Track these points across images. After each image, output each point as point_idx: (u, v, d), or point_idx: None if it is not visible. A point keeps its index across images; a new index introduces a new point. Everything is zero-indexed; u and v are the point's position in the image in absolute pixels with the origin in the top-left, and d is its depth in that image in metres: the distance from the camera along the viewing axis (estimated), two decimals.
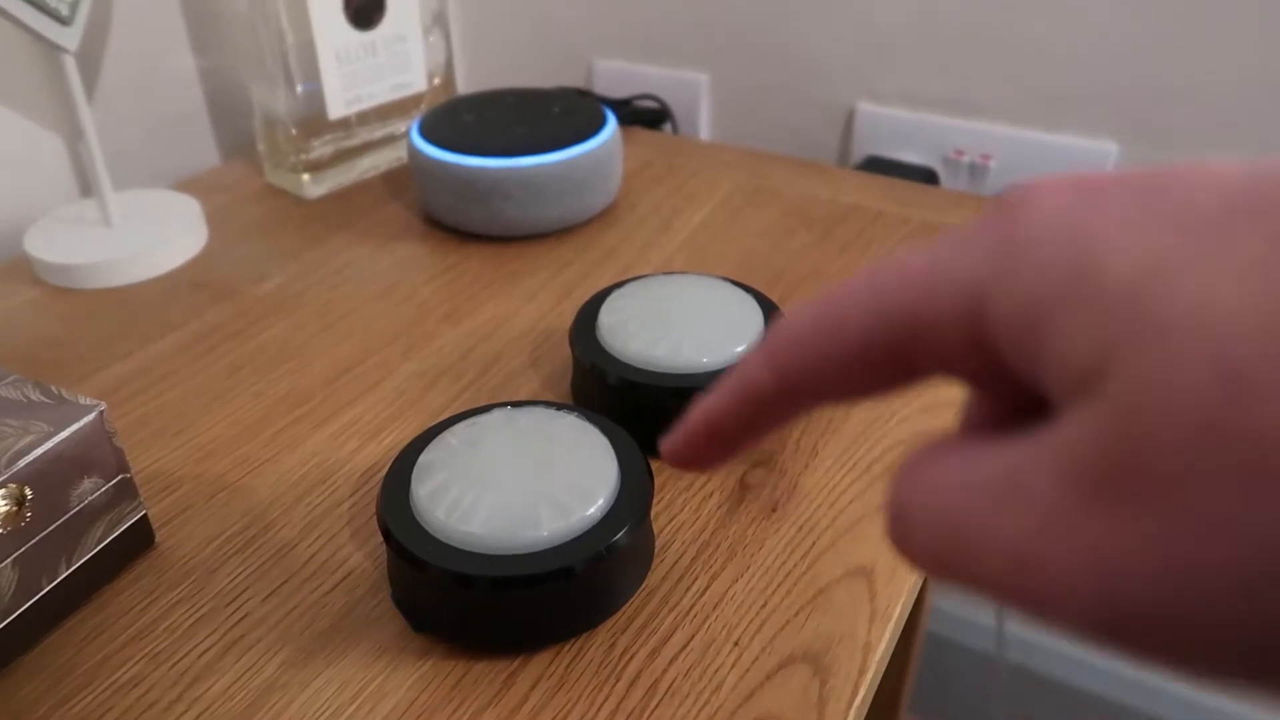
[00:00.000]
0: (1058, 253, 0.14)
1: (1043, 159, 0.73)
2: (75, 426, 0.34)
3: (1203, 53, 0.64)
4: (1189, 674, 0.13)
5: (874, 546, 0.37)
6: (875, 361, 0.16)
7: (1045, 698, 1.02)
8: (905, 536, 0.15)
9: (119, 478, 0.36)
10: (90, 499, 0.35)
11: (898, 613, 0.35)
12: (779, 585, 0.36)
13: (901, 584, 0.36)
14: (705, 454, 0.22)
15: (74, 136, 0.63)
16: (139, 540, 0.37)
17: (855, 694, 0.32)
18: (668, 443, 0.22)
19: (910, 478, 0.16)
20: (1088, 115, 0.69)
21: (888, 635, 0.34)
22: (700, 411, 0.21)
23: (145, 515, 0.37)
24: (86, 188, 0.66)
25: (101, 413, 0.34)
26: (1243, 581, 0.11)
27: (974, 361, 0.15)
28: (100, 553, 0.36)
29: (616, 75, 0.83)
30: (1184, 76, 0.66)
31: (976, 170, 0.75)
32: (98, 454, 0.35)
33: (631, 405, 0.41)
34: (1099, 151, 0.72)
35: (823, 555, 0.37)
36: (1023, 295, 0.14)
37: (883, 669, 0.34)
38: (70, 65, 0.56)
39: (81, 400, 0.35)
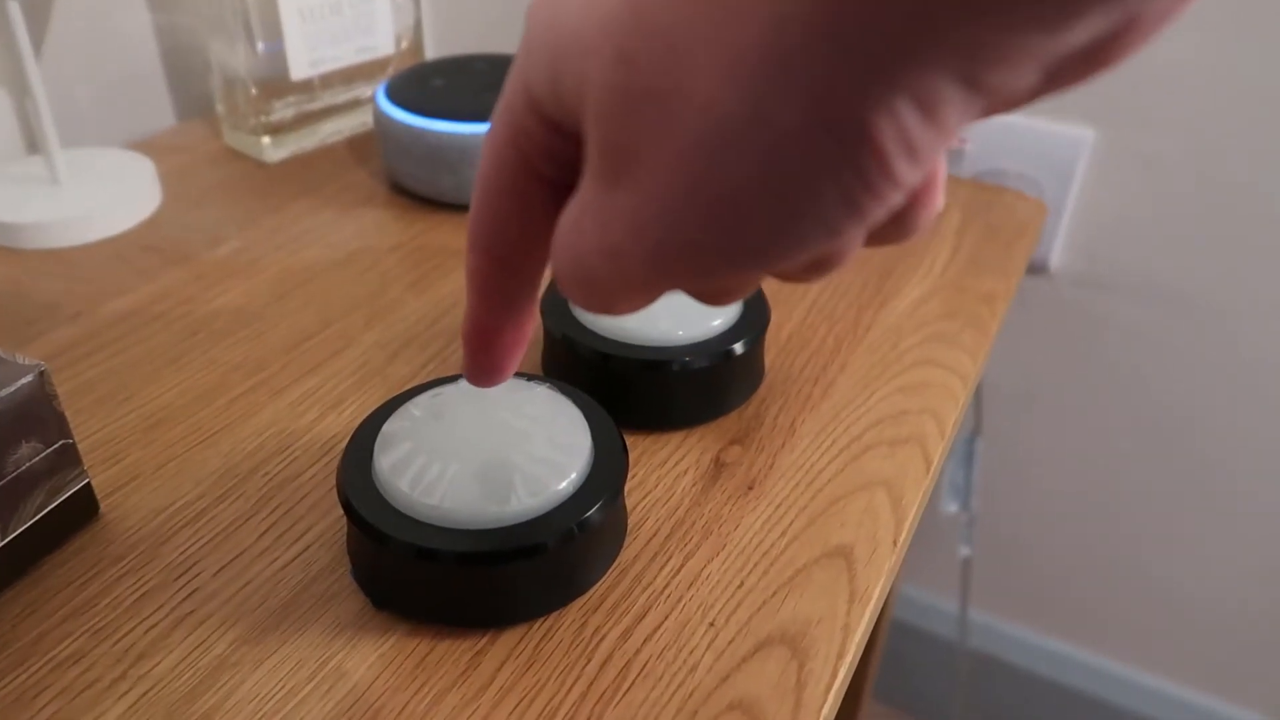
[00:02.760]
0: (537, 29, 0.18)
1: (1019, 143, 0.73)
2: (13, 387, 0.31)
3: (1179, 38, 0.64)
4: (727, 269, 0.17)
5: (853, 527, 0.36)
6: (520, 186, 0.21)
7: (1006, 685, 1.02)
8: (559, 274, 0.19)
9: (60, 443, 0.34)
10: (29, 465, 0.33)
11: (877, 594, 0.34)
12: (755, 565, 0.35)
13: (881, 565, 0.35)
14: (492, 358, 0.26)
15: (20, 92, 0.60)
16: (81, 510, 0.35)
17: (834, 677, 0.31)
18: (464, 368, 0.27)
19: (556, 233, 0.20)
20: (1064, 100, 0.68)
21: (867, 617, 0.33)
22: (464, 327, 0.25)
23: (89, 484, 0.35)
24: (34, 144, 0.63)
25: (42, 373, 0.32)
26: (681, 186, 0.16)
27: (556, 136, 0.19)
28: (39, 522, 0.33)
29: None
30: (1160, 62, 0.66)
31: (954, 153, 0.74)
32: (37, 417, 0.33)
33: (604, 378, 0.40)
34: (1075, 137, 0.71)
35: (800, 535, 0.36)
36: (536, 69, 0.18)
37: (861, 652, 0.33)
38: (15, 13, 0.53)
39: (21, 360, 0.33)
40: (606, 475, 0.33)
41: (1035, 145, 0.72)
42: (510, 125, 0.20)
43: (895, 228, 0.19)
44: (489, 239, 0.22)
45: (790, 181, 0.15)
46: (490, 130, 0.21)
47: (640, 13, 0.15)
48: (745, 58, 0.14)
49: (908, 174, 0.15)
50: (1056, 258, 0.78)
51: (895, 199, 0.15)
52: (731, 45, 0.14)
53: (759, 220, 0.15)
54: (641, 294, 0.18)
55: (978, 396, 0.86)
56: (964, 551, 0.94)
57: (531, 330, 0.26)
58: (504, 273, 0.23)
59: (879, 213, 0.15)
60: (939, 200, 0.19)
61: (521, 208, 0.21)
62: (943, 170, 0.19)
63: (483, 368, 0.26)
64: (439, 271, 0.52)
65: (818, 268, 0.19)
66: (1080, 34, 0.14)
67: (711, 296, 0.22)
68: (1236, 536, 0.85)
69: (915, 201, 0.18)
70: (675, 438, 0.40)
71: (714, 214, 0.16)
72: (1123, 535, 0.90)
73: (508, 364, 0.26)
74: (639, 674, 0.31)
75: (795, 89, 0.14)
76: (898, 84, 0.14)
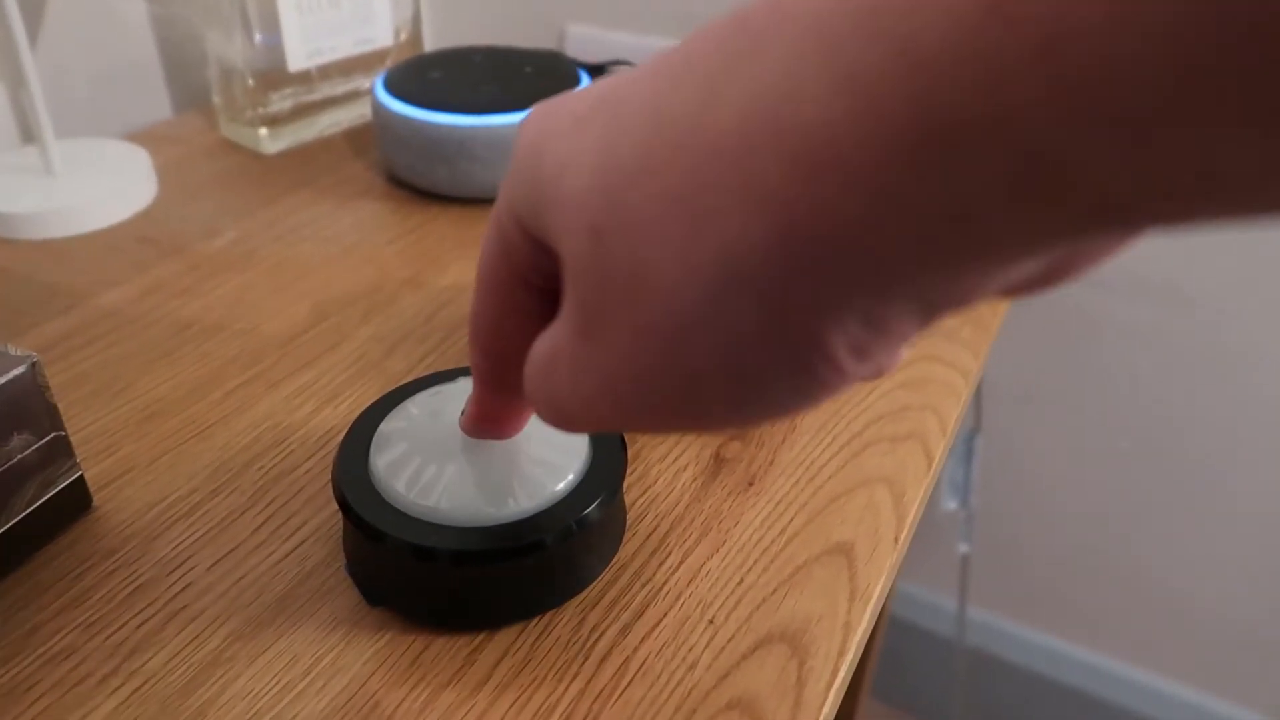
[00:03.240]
0: (523, 164, 0.19)
1: None
2: (4, 378, 0.31)
3: None
4: (687, 424, 0.18)
5: (854, 524, 0.36)
6: (512, 293, 0.21)
7: (1004, 683, 1.02)
8: (533, 401, 0.20)
9: (52, 435, 0.33)
10: (20, 457, 0.32)
11: (878, 592, 0.34)
12: (755, 562, 0.34)
13: (882, 563, 0.35)
14: (495, 432, 0.29)
15: (15, 82, 0.60)
16: (74, 503, 0.35)
17: (835, 675, 0.31)
18: (465, 429, 0.29)
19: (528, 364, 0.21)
20: None
21: (868, 615, 0.33)
22: (473, 408, 0.28)
23: (81, 476, 0.35)
24: (29, 134, 0.62)
25: (34, 364, 0.32)
26: (646, 361, 0.16)
27: (543, 254, 0.19)
28: (31, 515, 0.33)
29: (589, 41, 0.81)
30: None
31: None
32: (29, 409, 0.32)
33: None
34: None
35: (801, 532, 0.36)
36: (521, 201, 0.19)
37: (861, 650, 0.33)
38: (11, 3, 0.52)
39: (12, 351, 0.32)
40: (605, 472, 0.33)
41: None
42: (500, 238, 0.21)
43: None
44: (488, 339, 0.23)
45: (745, 373, 0.16)
46: (485, 236, 0.22)
47: (611, 194, 0.16)
48: (706, 267, 0.15)
49: (859, 370, 0.16)
50: None
51: (847, 388, 0.16)
52: (691, 251, 0.15)
53: (716, 399, 0.16)
54: (607, 429, 0.20)
55: (977, 394, 0.86)
56: (963, 549, 0.93)
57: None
58: (505, 367, 0.24)
59: (830, 398, 0.17)
60: (894, 368, 0.20)
61: (515, 311, 0.22)
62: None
63: (486, 436, 0.29)
64: (437, 265, 0.51)
65: (783, 418, 0.20)
66: (1024, 272, 0.15)
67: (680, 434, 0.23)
68: (1234, 535, 0.85)
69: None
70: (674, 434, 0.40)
71: (674, 387, 0.17)
72: (1120, 534, 0.90)
73: (512, 434, 0.29)
74: (638, 671, 0.30)
75: (748, 300, 0.15)
76: (848, 306, 0.14)
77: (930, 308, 0.15)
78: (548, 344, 0.19)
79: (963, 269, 0.14)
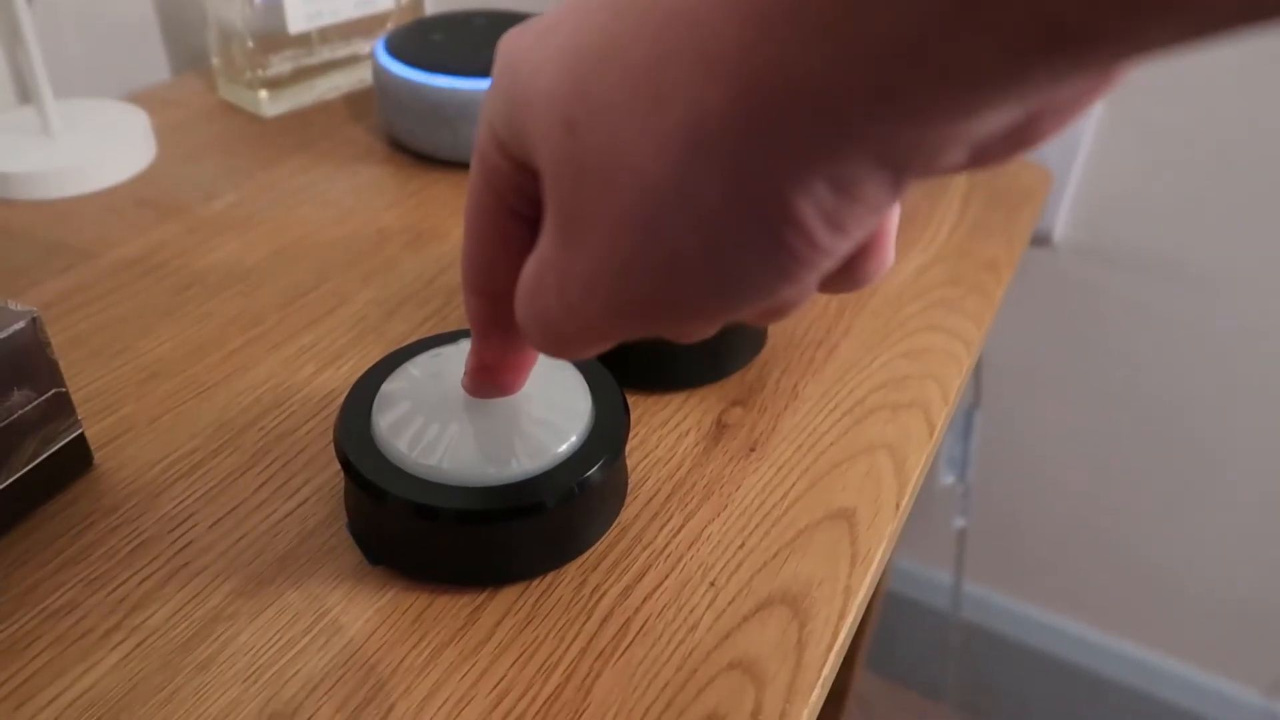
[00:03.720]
0: (499, 82, 0.19)
1: None
2: (4, 333, 0.31)
3: None
4: (679, 319, 0.18)
5: (855, 490, 0.36)
6: (500, 225, 0.22)
7: (998, 656, 1.03)
8: (523, 325, 0.20)
9: (53, 391, 0.33)
10: (21, 413, 0.32)
11: (879, 557, 0.34)
12: (757, 526, 0.35)
13: (883, 528, 0.35)
14: (498, 386, 0.28)
15: (12, 41, 0.59)
16: (75, 461, 0.35)
17: (835, 638, 0.31)
18: (467, 387, 0.29)
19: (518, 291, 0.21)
20: None
21: (869, 579, 0.33)
22: (470, 362, 0.28)
23: (82, 434, 0.35)
24: (26, 94, 0.61)
25: (34, 319, 0.32)
26: (626, 253, 0.17)
27: (524, 174, 0.20)
28: (32, 471, 0.33)
29: None
30: None
31: None
32: (30, 365, 0.32)
33: None
34: None
35: (802, 497, 0.36)
36: (500, 120, 0.19)
37: (861, 614, 0.33)
38: None
39: (12, 306, 0.32)
40: (607, 435, 0.33)
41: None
42: (483, 168, 0.21)
43: (845, 280, 0.20)
44: (479, 279, 0.23)
45: (722, 250, 0.16)
46: (470, 174, 0.22)
47: (580, 84, 0.16)
48: (671, 139, 0.15)
49: (834, 244, 0.16)
50: (1061, 229, 0.77)
51: (826, 264, 0.16)
52: (658, 126, 0.15)
53: (697, 282, 0.16)
54: (600, 342, 0.20)
55: (977, 370, 0.86)
56: (959, 524, 0.94)
57: (535, 358, 0.28)
58: (499, 310, 0.23)
59: (811, 277, 0.16)
60: (889, 255, 0.20)
61: (504, 246, 0.22)
62: (892, 224, 0.20)
63: (489, 394, 0.29)
64: (437, 229, 0.51)
65: (771, 315, 0.21)
66: (991, 123, 0.14)
67: (675, 338, 0.23)
68: (1230, 513, 0.85)
69: (864, 255, 0.19)
70: (677, 399, 0.40)
71: (655, 276, 0.17)
72: (1117, 510, 0.90)
73: (514, 387, 0.29)
74: (639, 632, 0.31)
75: (715, 171, 0.15)
76: (811, 170, 0.14)
77: (897, 169, 0.15)
78: (533, 264, 0.20)
79: (922, 117, 0.13)
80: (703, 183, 0.15)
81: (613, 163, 0.16)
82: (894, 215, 0.20)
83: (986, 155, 0.16)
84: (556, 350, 0.20)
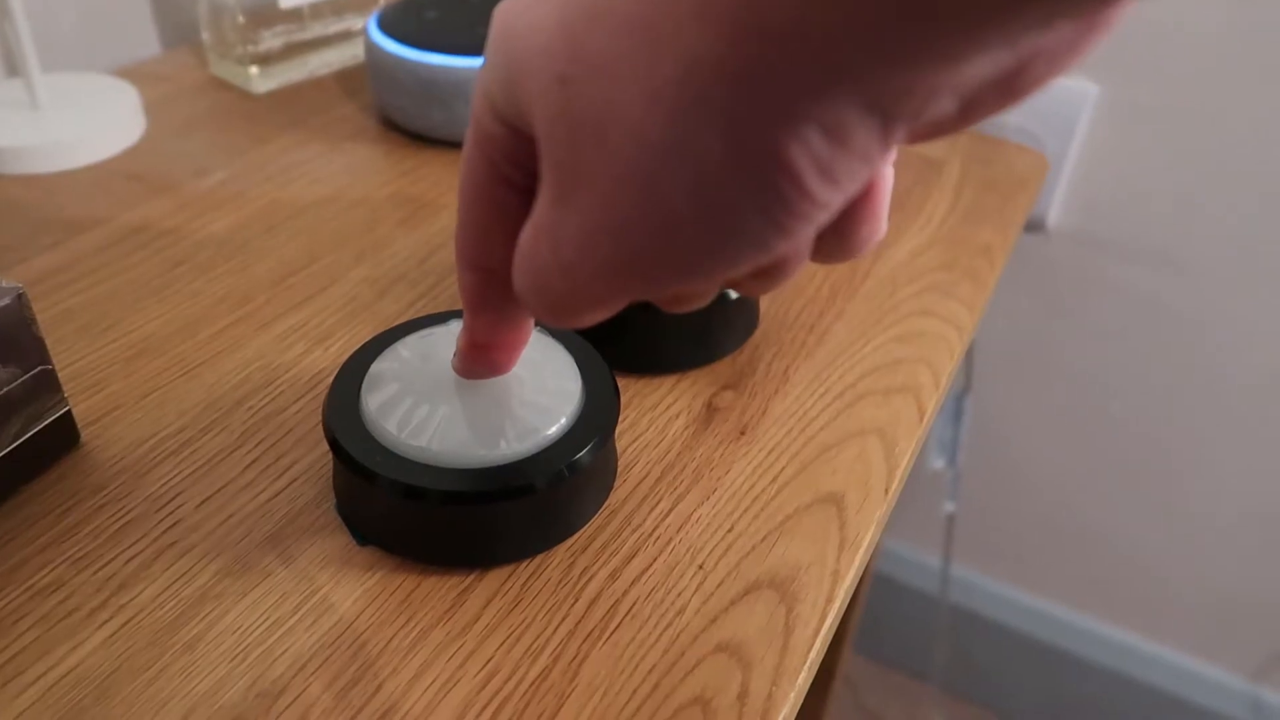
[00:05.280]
0: (494, 46, 0.19)
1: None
2: None
3: None
4: (674, 277, 0.17)
5: (845, 475, 0.36)
6: (494, 195, 0.21)
7: (986, 640, 1.04)
8: (520, 291, 0.20)
9: (39, 369, 0.33)
10: (6, 390, 0.32)
11: (867, 542, 0.34)
12: (746, 510, 0.35)
13: (872, 513, 0.35)
14: (490, 365, 0.28)
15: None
16: (62, 439, 0.35)
17: (822, 622, 0.31)
18: (457, 368, 0.29)
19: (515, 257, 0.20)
20: None
21: (856, 564, 0.33)
22: (462, 340, 0.27)
23: (69, 412, 0.35)
24: (14, 67, 0.61)
25: (20, 295, 0.31)
26: (622, 209, 0.16)
27: (519, 140, 0.20)
28: (18, 449, 0.33)
29: None
30: (1167, 18, 0.65)
31: None
32: (15, 341, 0.32)
33: None
34: (1078, 91, 0.70)
35: (791, 481, 0.36)
36: (495, 84, 0.19)
37: (849, 598, 0.33)
38: None
39: None
40: (597, 418, 0.33)
41: (1037, 98, 0.71)
42: (477, 132, 0.21)
43: (839, 245, 0.20)
44: (473, 252, 0.23)
45: (717, 202, 0.16)
46: (465, 143, 0.22)
47: (574, 40, 0.16)
48: (665, 90, 0.15)
49: (827, 195, 0.16)
50: (1055, 215, 0.77)
51: (820, 217, 0.16)
52: (653, 78, 0.15)
53: (693, 237, 0.16)
54: (598, 306, 0.19)
55: (969, 354, 0.86)
56: (948, 508, 0.94)
57: (528, 337, 0.27)
58: (493, 285, 0.23)
59: (806, 230, 0.16)
60: (882, 221, 0.20)
61: (499, 217, 0.22)
62: (885, 188, 0.20)
63: (480, 374, 0.29)
64: (429, 208, 0.51)
65: (767, 278, 0.20)
66: (980, 68, 0.14)
67: (670, 304, 0.23)
68: (1217, 499, 0.85)
69: (856, 219, 0.19)
70: (667, 382, 0.40)
71: (651, 232, 0.16)
72: (1105, 495, 0.90)
73: (505, 367, 0.28)
74: (626, 614, 0.31)
75: (710, 120, 0.15)
76: (803, 115, 0.14)
77: (886, 116, 0.15)
78: (529, 229, 0.19)
79: (910, 60, 0.14)
80: (697, 132, 0.15)
81: (607, 116, 0.16)
82: (887, 181, 0.20)
83: (977, 106, 0.16)
84: (554, 315, 0.20)
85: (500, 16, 0.19)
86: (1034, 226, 0.78)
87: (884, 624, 1.07)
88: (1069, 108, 0.71)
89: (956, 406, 0.88)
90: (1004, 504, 0.96)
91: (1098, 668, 0.99)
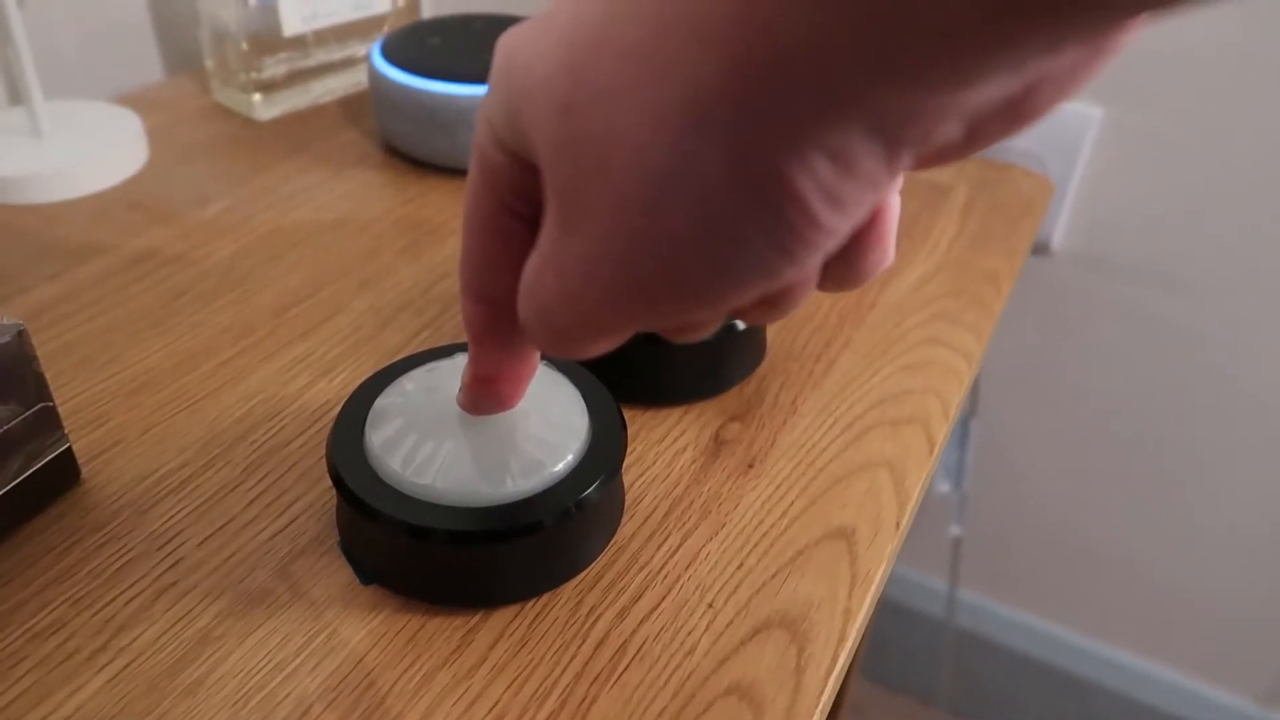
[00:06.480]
0: (498, 77, 0.19)
1: None
2: None
3: (1190, 18, 0.63)
4: (683, 305, 0.17)
5: (855, 508, 0.36)
6: (499, 226, 0.21)
7: (993, 664, 1.03)
8: (525, 323, 0.20)
9: (39, 406, 0.32)
10: (6, 428, 0.31)
11: (878, 578, 0.34)
12: (755, 545, 0.34)
13: (883, 548, 0.34)
14: (496, 399, 0.27)
15: (2, 40, 0.58)
16: (62, 476, 0.34)
17: (835, 662, 0.30)
18: (462, 403, 0.28)
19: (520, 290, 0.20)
20: None
21: (868, 601, 0.33)
22: (468, 372, 0.27)
23: (69, 448, 0.34)
24: (16, 95, 0.61)
25: (21, 333, 0.31)
26: (626, 237, 0.16)
27: (523, 171, 0.20)
28: (18, 487, 0.32)
29: None
30: (1171, 41, 0.65)
31: None
32: (16, 378, 0.31)
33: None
34: (1082, 114, 0.70)
35: (801, 515, 0.35)
36: (498, 115, 0.19)
37: (861, 636, 0.33)
38: None
39: None
40: (604, 453, 0.32)
41: (1041, 121, 0.71)
42: (481, 162, 0.21)
43: (846, 273, 0.19)
44: (478, 283, 0.23)
45: (722, 228, 0.15)
46: (469, 173, 0.22)
47: (576, 69, 0.16)
48: (668, 114, 0.15)
49: (833, 221, 0.15)
50: (1059, 238, 0.77)
51: (827, 244, 0.16)
52: (656, 102, 0.15)
53: (698, 263, 0.16)
54: (604, 335, 0.19)
55: (974, 378, 0.85)
56: (955, 531, 0.93)
57: (534, 369, 0.27)
58: (498, 317, 0.23)
59: (813, 257, 0.16)
60: (889, 249, 0.20)
61: (503, 247, 0.22)
62: (892, 215, 0.19)
63: (486, 408, 0.28)
64: (433, 237, 0.51)
65: (773, 307, 0.20)
66: (987, 93, 0.14)
67: (676, 334, 0.22)
68: (1226, 522, 0.85)
69: (864, 246, 0.19)
70: (674, 414, 0.39)
71: (656, 258, 0.16)
72: (1112, 519, 0.90)
73: (511, 402, 0.28)
74: (635, 655, 0.30)
75: (713, 143, 0.15)
76: (808, 139, 0.14)
77: (891, 141, 0.14)
78: (534, 259, 0.19)
79: (914, 85, 0.13)
80: (701, 158, 0.15)
81: (610, 143, 0.16)
82: (894, 207, 0.19)
83: (984, 131, 0.15)
84: (560, 346, 0.20)
85: (503, 47, 0.19)
86: (1039, 249, 0.77)
87: (890, 648, 1.06)
88: (1073, 131, 0.71)
89: (962, 430, 0.87)
90: (1010, 527, 0.95)
91: (1105, 691, 0.98)
